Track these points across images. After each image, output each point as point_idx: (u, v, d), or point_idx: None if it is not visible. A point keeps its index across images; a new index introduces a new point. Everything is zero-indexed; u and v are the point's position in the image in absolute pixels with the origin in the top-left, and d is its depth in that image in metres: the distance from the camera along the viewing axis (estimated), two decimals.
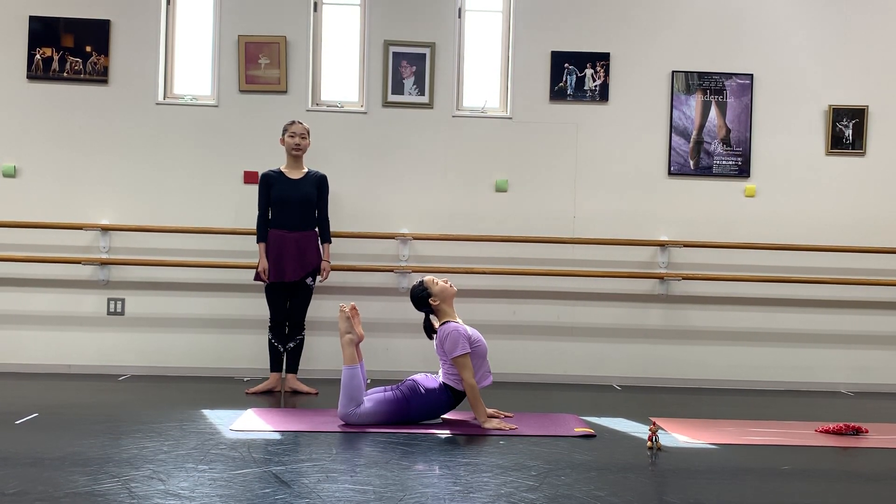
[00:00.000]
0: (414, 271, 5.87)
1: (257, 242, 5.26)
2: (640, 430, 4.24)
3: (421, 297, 4.42)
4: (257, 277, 5.24)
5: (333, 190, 5.73)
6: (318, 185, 5.30)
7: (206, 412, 4.46)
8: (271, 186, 5.23)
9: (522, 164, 6.06)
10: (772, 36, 6.13)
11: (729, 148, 6.11)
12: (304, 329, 5.32)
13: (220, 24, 5.98)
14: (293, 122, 5.29)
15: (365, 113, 6.03)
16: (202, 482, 3.08)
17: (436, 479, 3.24)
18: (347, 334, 4.27)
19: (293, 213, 5.20)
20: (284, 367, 5.30)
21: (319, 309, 5.65)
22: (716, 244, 6.01)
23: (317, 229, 5.31)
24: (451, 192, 6.03)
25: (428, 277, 4.48)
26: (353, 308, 4.38)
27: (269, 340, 5.27)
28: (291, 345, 5.27)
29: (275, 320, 5.24)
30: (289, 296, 5.25)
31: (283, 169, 5.31)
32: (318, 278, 5.32)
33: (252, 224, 5.87)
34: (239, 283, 5.90)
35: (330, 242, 5.36)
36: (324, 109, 6.05)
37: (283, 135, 5.29)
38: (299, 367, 5.33)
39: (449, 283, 4.46)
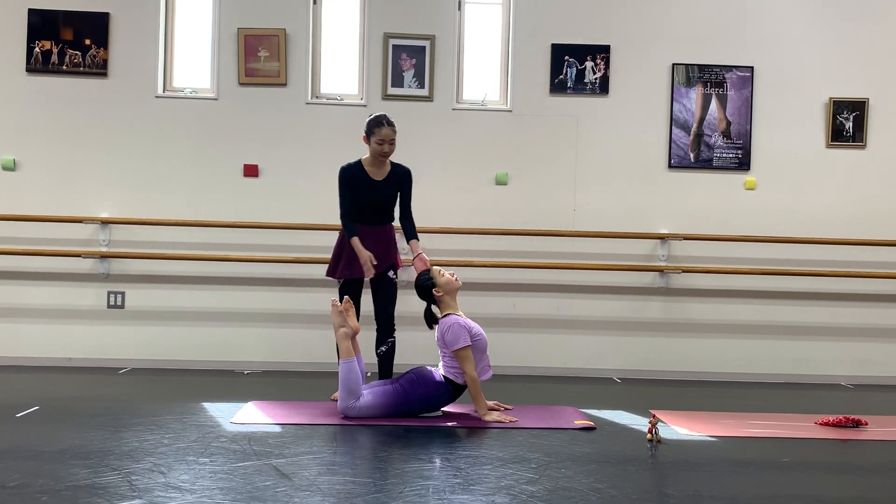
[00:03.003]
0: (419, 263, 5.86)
1: (349, 238, 4.61)
2: (639, 423, 4.24)
3: (425, 286, 4.42)
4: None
5: (333, 185, 5.74)
6: (401, 182, 4.77)
7: (207, 405, 4.47)
8: (355, 185, 4.68)
9: (522, 157, 6.06)
10: (772, 28, 6.11)
11: (729, 141, 6.10)
12: (395, 329, 4.74)
13: (219, 16, 5.97)
14: (382, 125, 4.60)
15: (365, 106, 6.03)
16: (203, 475, 3.08)
17: (436, 471, 3.24)
18: (342, 328, 4.27)
19: (373, 213, 4.72)
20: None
21: (319, 302, 5.66)
22: (716, 237, 6.01)
23: (394, 223, 4.84)
24: (451, 184, 6.03)
25: (435, 268, 4.49)
26: (347, 301, 4.38)
27: None
28: (383, 349, 4.69)
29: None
30: (360, 292, 4.75)
31: (365, 167, 4.70)
32: (398, 272, 4.85)
33: (253, 217, 5.93)
34: (239, 276, 5.90)
35: (418, 239, 4.80)
36: (323, 102, 6.05)
37: (369, 137, 4.63)
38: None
39: (455, 276, 4.47)
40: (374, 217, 4.72)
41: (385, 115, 4.68)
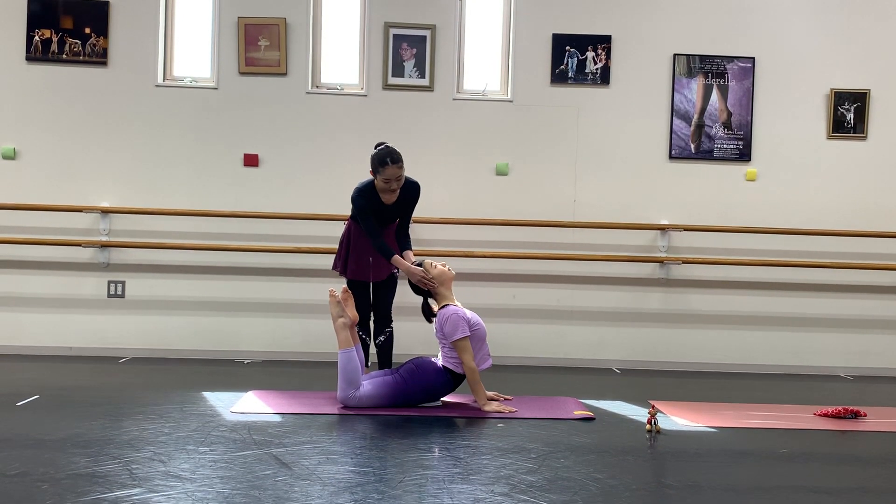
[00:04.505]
0: (414, 255, 5.85)
1: (389, 259, 4.52)
2: (639, 414, 4.25)
3: (419, 280, 4.43)
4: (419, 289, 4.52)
5: (333, 175, 5.73)
6: (407, 199, 4.66)
7: (207, 394, 4.48)
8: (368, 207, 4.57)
9: (523, 147, 6.05)
10: (774, 19, 6.10)
11: (730, 131, 6.09)
12: (393, 320, 4.76)
13: (219, 5, 5.95)
14: (387, 164, 4.43)
15: (365, 95, 6.01)
16: (203, 464, 3.09)
17: (436, 461, 3.25)
18: (340, 318, 4.26)
19: (379, 224, 4.63)
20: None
21: (318, 292, 5.66)
22: (716, 228, 6.01)
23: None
24: (452, 175, 6.02)
25: (427, 260, 4.48)
26: (346, 291, 4.38)
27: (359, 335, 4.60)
28: (381, 338, 4.72)
29: (361, 313, 4.62)
30: (370, 292, 4.75)
31: (378, 191, 4.54)
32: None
33: (253, 207, 5.93)
34: (239, 265, 5.90)
35: (411, 249, 4.72)
36: (324, 92, 6.03)
37: (375, 174, 4.50)
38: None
39: (447, 266, 4.46)
40: (379, 225, 4.64)
41: (389, 152, 4.46)
